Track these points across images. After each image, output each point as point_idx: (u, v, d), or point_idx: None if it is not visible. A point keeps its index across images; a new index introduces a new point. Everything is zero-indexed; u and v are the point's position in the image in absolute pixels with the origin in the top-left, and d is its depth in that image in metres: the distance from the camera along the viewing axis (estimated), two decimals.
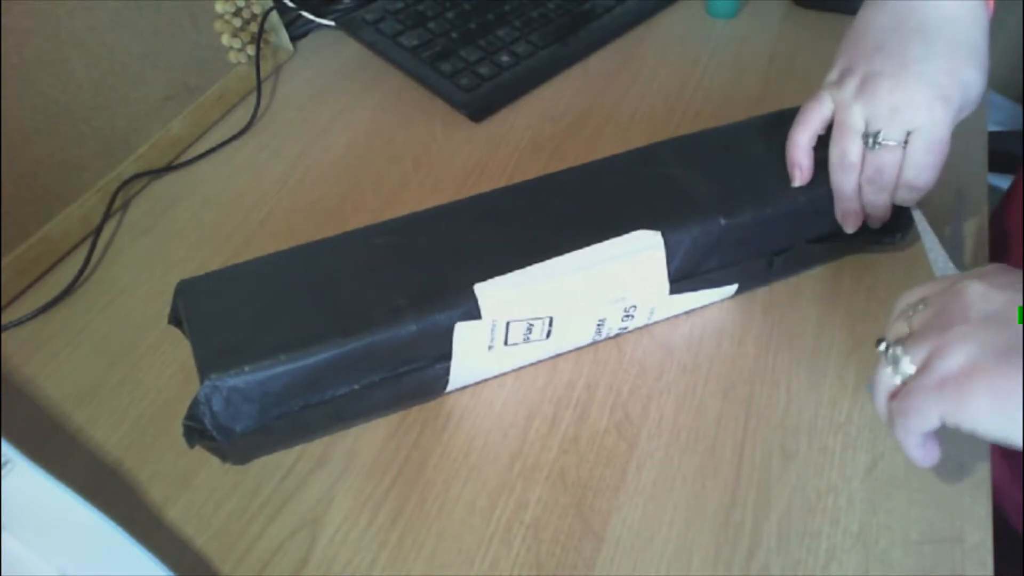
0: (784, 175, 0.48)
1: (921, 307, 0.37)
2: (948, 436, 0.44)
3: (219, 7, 0.64)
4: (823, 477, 0.42)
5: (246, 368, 0.39)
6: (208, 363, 0.40)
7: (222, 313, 0.42)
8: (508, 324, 0.43)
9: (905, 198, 0.47)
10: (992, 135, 0.62)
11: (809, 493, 0.42)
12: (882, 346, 0.37)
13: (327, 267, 0.44)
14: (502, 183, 0.50)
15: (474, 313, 0.42)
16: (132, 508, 0.43)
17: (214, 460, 0.44)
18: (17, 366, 0.49)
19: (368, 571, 0.40)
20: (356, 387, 0.42)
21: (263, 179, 0.61)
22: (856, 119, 0.46)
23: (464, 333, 0.42)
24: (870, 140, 0.45)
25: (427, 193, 0.59)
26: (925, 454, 0.36)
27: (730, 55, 0.70)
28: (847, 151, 0.46)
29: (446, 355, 0.43)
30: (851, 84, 0.46)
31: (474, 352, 0.44)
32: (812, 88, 0.49)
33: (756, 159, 0.49)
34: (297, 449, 0.45)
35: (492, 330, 0.43)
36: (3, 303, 0.52)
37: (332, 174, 0.61)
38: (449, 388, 0.46)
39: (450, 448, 0.44)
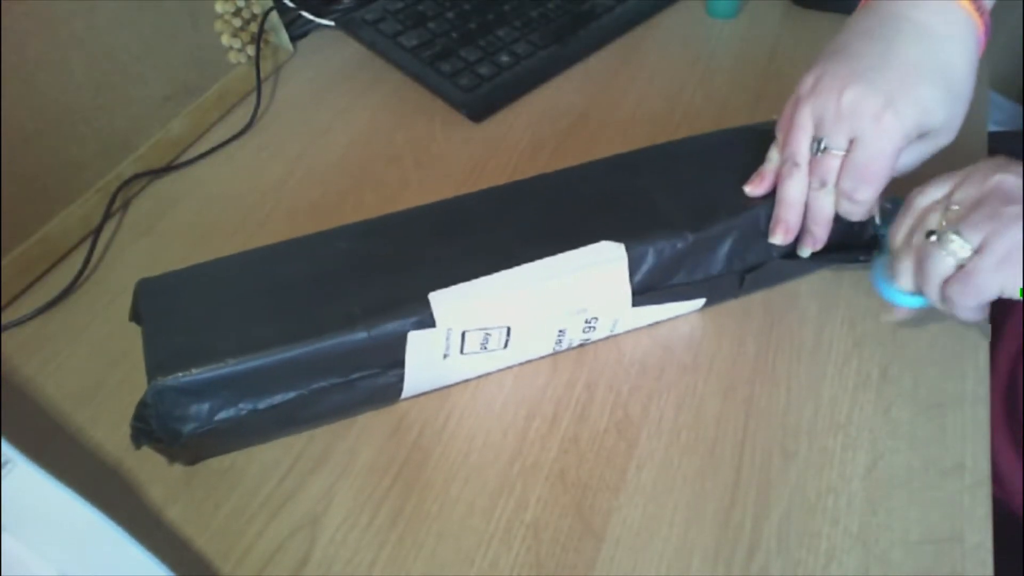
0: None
1: (956, 200, 0.41)
2: (948, 438, 0.44)
3: (219, 7, 0.64)
4: (823, 477, 0.42)
5: (193, 371, 0.39)
6: (156, 364, 0.40)
7: (176, 314, 0.43)
8: (464, 333, 0.43)
9: (847, 210, 0.45)
10: (992, 135, 0.62)
11: (809, 493, 0.42)
12: (933, 237, 0.41)
13: (287, 271, 0.44)
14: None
15: (428, 322, 0.41)
16: (132, 508, 0.43)
17: (214, 460, 0.44)
18: (17, 366, 0.49)
19: (368, 571, 0.40)
20: (306, 392, 0.42)
21: (263, 179, 0.61)
22: (805, 118, 0.45)
23: (418, 342, 0.42)
24: (815, 146, 0.44)
25: (427, 193, 0.59)
26: (981, 315, 0.42)
27: (730, 55, 0.70)
28: (794, 152, 0.45)
29: (400, 362, 0.43)
30: (808, 81, 0.45)
31: (429, 361, 0.43)
32: None
33: (731, 172, 0.48)
34: (297, 449, 0.45)
35: (447, 339, 0.42)
36: (3, 303, 0.52)
37: (332, 174, 0.61)
38: (404, 395, 0.45)
39: (450, 448, 0.44)
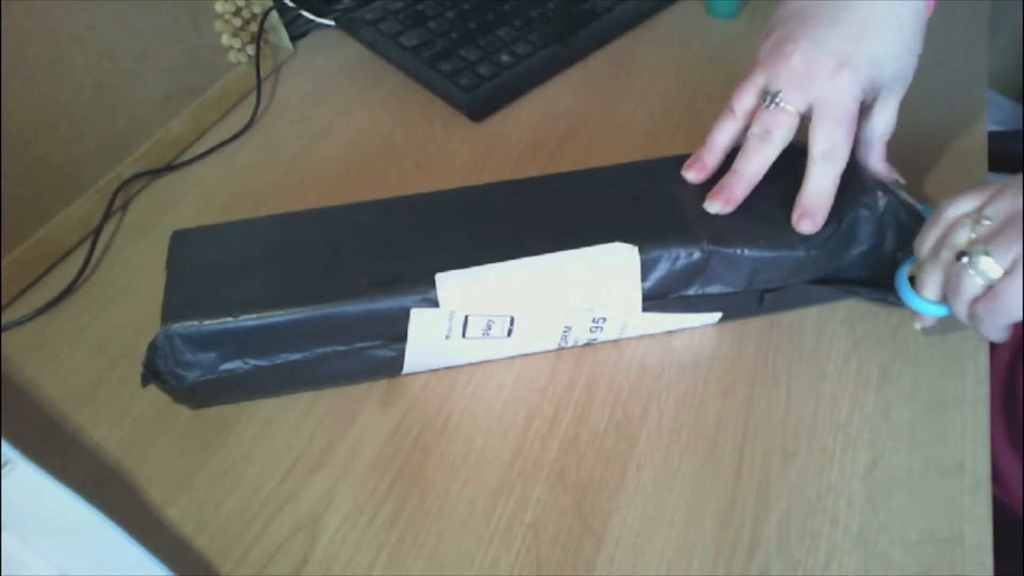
0: (785, 211, 0.45)
1: (987, 215, 0.39)
2: (948, 438, 0.44)
3: (219, 7, 0.64)
4: (823, 477, 0.42)
5: (201, 321, 0.42)
6: (169, 311, 0.42)
7: (199, 266, 0.45)
8: (467, 317, 0.43)
9: (822, 173, 0.44)
10: (992, 135, 0.62)
11: (809, 493, 0.42)
12: (964, 258, 0.39)
13: (308, 237, 0.46)
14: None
15: (432, 301, 0.42)
16: (132, 508, 0.43)
17: (214, 460, 0.44)
18: (17, 366, 0.49)
19: (368, 571, 0.40)
20: (309, 355, 0.43)
21: (263, 179, 0.61)
22: (758, 76, 0.45)
23: (420, 319, 0.43)
24: (768, 98, 0.44)
25: None
26: (1008, 334, 0.40)
27: (730, 55, 0.70)
28: (734, 102, 0.46)
29: (403, 337, 0.44)
30: (765, 45, 0.46)
31: (430, 340, 0.44)
32: None
33: (762, 191, 0.46)
34: (297, 449, 0.45)
35: (450, 321, 0.43)
36: (3, 303, 0.52)
37: (332, 174, 0.61)
38: (405, 371, 0.46)
39: (450, 448, 0.45)
